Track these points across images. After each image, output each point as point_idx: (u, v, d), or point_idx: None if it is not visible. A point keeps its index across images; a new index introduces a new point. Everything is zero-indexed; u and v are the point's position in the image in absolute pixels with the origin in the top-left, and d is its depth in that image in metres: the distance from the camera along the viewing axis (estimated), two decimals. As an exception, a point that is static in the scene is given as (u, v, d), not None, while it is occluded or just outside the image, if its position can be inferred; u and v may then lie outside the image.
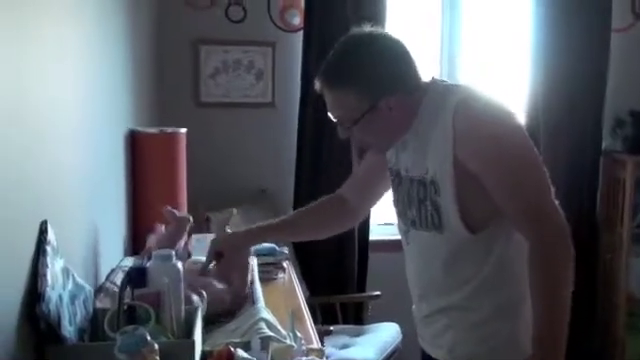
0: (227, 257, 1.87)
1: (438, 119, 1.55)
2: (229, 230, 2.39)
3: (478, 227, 1.56)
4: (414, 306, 1.77)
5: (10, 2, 1.40)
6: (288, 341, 1.78)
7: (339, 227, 2.03)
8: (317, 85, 1.60)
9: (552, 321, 1.47)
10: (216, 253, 1.87)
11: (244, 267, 2.17)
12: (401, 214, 1.71)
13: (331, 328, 3.11)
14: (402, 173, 1.68)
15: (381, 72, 1.56)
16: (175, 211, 2.37)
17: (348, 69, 1.56)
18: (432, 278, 1.67)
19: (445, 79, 1.71)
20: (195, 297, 1.84)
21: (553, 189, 1.52)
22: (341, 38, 1.62)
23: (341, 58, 1.59)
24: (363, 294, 3.68)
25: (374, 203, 1.96)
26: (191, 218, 2.38)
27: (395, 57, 1.58)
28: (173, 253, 1.68)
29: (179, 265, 1.68)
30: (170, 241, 2.26)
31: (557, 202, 1.51)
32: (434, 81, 1.64)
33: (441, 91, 1.60)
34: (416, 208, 1.63)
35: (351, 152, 3.66)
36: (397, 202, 1.73)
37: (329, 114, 1.64)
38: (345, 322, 3.50)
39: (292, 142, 3.69)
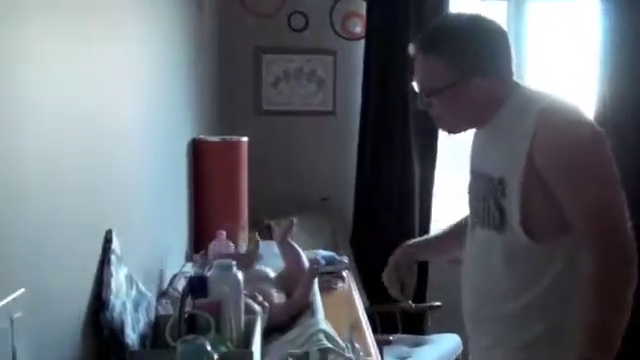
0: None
1: (520, 122, 1.53)
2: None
3: (540, 236, 1.52)
4: (465, 316, 1.71)
5: (86, 23, 1.44)
6: (346, 353, 1.77)
7: None
8: (411, 49, 1.61)
9: (602, 340, 1.43)
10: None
11: (308, 281, 2.18)
12: (470, 208, 1.71)
13: (390, 338, 3.08)
14: (477, 167, 1.67)
15: (480, 50, 1.56)
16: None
17: (447, 37, 1.58)
18: (485, 281, 1.63)
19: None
20: (257, 307, 1.86)
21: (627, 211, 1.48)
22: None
23: (444, 25, 1.63)
24: (423, 304, 3.64)
25: None
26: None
27: (497, 43, 1.58)
28: (234, 263, 1.69)
29: (239, 275, 1.69)
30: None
31: (630, 225, 1.46)
32: (521, 84, 1.63)
33: (527, 95, 1.59)
34: (482, 204, 1.61)
35: (413, 160, 3.63)
36: (468, 196, 1.72)
37: (413, 83, 1.64)
38: (405, 332, 3.46)
39: (353, 151, 3.69)
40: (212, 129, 3.20)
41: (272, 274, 2.22)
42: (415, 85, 1.64)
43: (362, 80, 3.62)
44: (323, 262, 2.34)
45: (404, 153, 3.60)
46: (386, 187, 3.63)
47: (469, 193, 1.71)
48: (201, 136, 2.86)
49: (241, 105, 3.70)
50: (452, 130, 1.71)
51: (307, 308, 2.14)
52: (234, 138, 2.90)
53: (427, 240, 2.00)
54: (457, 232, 1.82)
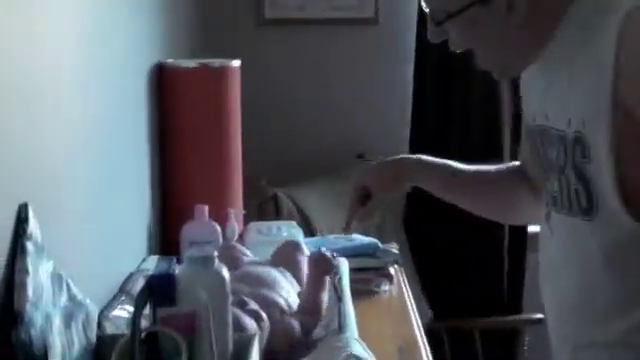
0: (375, 197, 1.98)
1: (593, 43, 1.50)
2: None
3: None
4: (552, 335, 1.72)
5: None
6: (392, 391, 1.78)
7: (526, 211, 2.05)
8: None
9: None
10: (362, 190, 1.97)
11: (319, 279, 2.18)
12: (543, 185, 1.72)
13: (465, 368, 3.11)
14: (537, 122, 1.68)
15: None
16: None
17: None
18: (576, 293, 1.62)
19: None
20: (249, 320, 1.86)
21: None
22: None
23: None
24: (517, 317, 3.66)
25: None
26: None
27: None
28: (215, 253, 1.69)
29: (224, 272, 1.69)
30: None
31: None
32: None
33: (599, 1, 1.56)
34: (557, 178, 1.61)
35: (501, 100, 3.61)
36: (539, 167, 1.73)
37: (422, 4, 1.66)
38: (488, 358, 3.48)
39: (405, 82, 3.67)
40: (187, 50, 3.20)
41: (275, 271, 2.21)
42: (424, 8, 1.66)
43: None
44: (335, 255, 2.34)
45: (484, 78, 3.56)
46: (457, 142, 3.61)
47: (537, 159, 1.72)
48: (169, 60, 2.86)
49: (232, 12, 3.69)
50: (491, 71, 1.73)
51: (331, 323, 2.14)
52: (220, 62, 2.90)
53: (436, 165, 2.11)
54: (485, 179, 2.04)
